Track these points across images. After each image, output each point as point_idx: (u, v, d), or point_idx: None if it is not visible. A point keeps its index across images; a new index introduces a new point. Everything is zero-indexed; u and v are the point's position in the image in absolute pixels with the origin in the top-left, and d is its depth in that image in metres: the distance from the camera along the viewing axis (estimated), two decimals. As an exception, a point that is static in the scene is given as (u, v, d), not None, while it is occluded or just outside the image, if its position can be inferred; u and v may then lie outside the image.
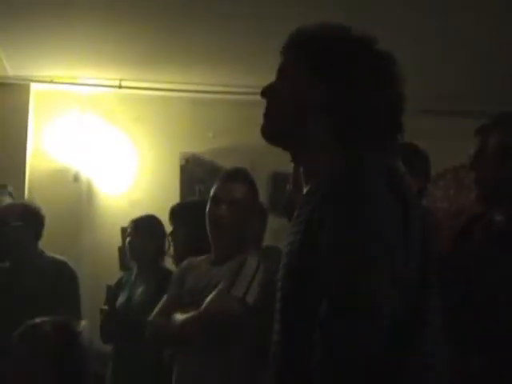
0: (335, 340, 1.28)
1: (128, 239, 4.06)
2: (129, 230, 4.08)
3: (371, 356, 1.27)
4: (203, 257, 2.94)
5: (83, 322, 2.52)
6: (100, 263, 5.15)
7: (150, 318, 2.85)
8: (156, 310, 2.87)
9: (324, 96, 1.53)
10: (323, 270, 1.33)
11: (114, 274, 4.68)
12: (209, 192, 2.91)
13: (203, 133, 5.77)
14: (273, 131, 1.62)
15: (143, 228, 4.03)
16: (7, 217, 3.83)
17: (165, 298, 2.91)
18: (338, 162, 1.47)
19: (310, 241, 1.40)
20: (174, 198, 5.43)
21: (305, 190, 1.57)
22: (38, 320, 2.41)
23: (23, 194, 5.29)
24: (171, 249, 3.76)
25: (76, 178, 5.57)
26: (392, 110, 1.55)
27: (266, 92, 1.65)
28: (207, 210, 2.84)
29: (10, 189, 4.96)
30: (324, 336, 1.29)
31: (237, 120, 5.64)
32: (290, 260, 1.47)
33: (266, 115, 1.63)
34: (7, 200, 4.71)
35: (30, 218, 3.84)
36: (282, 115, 1.60)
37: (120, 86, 5.59)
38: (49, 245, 4.01)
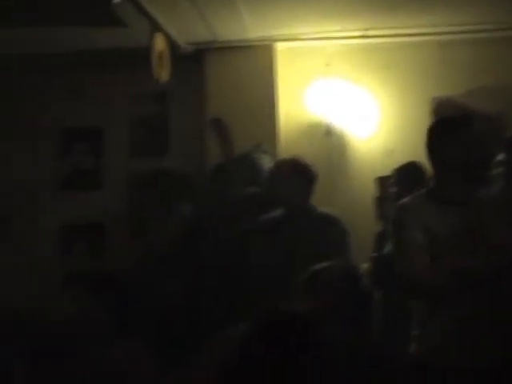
0: None
1: (392, 189, 3.97)
2: (391, 180, 4.01)
3: None
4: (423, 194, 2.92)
5: (364, 266, 2.51)
6: (355, 214, 5.09)
7: (402, 268, 2.77)
8: (404, 258, 2.79)
9: None
10: None
11: (370, 224, 4.70)
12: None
13: (453, 75, 5.52)
14: None
15: (406, 176, 3.92)
16: (278, 171, 3.99)
17: (405, 242, 2.80)
18: None
19: None
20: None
21: None
22: (324, 264, 2.43)
23: (275, 152, 5.40)
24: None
25: (328, 132, 5.61)
26: None
27: None
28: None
29: (264, 147, 5.09)
30: None
31: (487, 60, 5.35)
32: None
33: None
34: (264, 157, 4.85)
35: (301, 173, 3.91)
36: None
37: (365, 36, 5.51)
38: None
